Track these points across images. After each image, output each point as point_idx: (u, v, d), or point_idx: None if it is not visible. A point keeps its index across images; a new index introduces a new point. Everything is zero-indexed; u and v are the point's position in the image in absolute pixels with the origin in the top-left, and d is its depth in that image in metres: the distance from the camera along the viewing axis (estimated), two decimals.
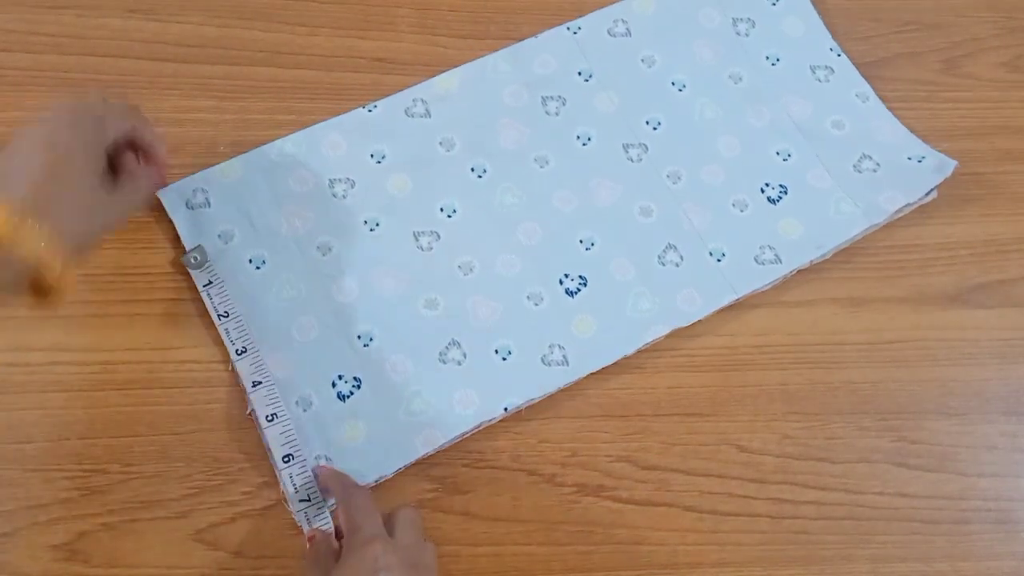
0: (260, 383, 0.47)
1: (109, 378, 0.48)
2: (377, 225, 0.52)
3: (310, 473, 0.45)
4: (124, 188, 0.45)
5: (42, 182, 0.38)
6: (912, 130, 0.57)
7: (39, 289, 0.37)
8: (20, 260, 0.35)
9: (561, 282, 0.51)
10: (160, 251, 0.51)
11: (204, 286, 0.49)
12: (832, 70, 0.58)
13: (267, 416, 0.46)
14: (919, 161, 0.55)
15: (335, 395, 0.48)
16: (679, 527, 0.47)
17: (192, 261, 0.50)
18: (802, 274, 0.53)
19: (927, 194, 0.54)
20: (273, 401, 0.47)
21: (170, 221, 0.51)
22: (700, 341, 0.51)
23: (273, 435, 0.46)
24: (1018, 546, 0.47)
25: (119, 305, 0.50)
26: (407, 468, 0.47)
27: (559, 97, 0.56)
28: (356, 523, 0.41)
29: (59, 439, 0.47)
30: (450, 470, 0.48)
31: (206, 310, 0.49)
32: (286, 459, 0.45)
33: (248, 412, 0.47)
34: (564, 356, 0.49)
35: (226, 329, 0.48)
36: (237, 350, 0.48)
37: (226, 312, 0.49)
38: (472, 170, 0.54)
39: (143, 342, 0.49)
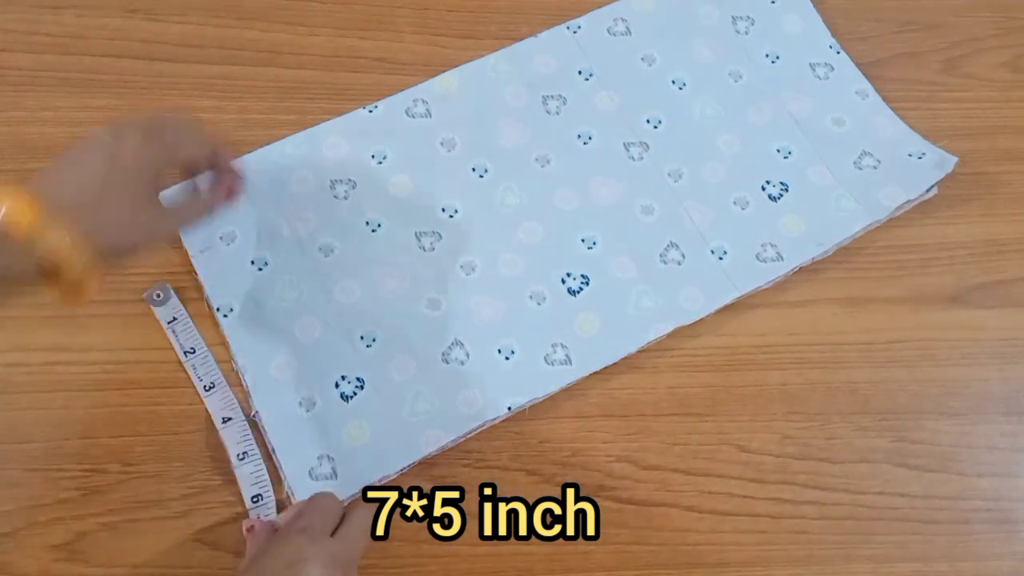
0: (231, 419, 0.47)
1: (109, 378, 0.48)
2: (379, 226, 0.52)
3: (274, 516, 0.45)
4: (180, 207, 0.45)
5: (90, 190, 0.39)
6: (912, 130, 0.57)
7: (58, 285, 0.38)
8: (42, 254, 0.36)
9: (563, 281, 0.51)
10: (160, 251, 0.51)
11: (168, 323, 0.49)
12: (832, 67, 0.58)
13: (238, 455, 0.46)
14: (919, 158, 0.55)
15: (338, 396, 0.48)
16: (679, 527, 0.47)
17: (155, 298, 0.50)
18: (802, 274, 0.53)
19: (927, 191, 0.54)
20: (245, 438, 0.47)
21: None
22: (700, 341, 0.51)
23: (243, 475, 0.46)
24: (1018, 546, 0.47)
25: (119, 305, 0.50)
26: (407, 468, 0.47)
27: (560, 96, 0.56)
28: (299, 514, 0.41)
29: (59, 439, 0.47)
30: (450, 470, 0.48)
31: (205, 310, 0.49)
32: (255, 499, 0.45)
33: (253, 413, 0.47)
34: (567, 355, 0.49)
35: (192, 365, 0.48)
36: (205, 386, 0.48)
37: (192, 348, 0.48)
38: (473, 170, 0.54)
39: (143, 342, 0.49)
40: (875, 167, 0.55)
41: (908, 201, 0.53)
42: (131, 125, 0.41)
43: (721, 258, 0.52)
